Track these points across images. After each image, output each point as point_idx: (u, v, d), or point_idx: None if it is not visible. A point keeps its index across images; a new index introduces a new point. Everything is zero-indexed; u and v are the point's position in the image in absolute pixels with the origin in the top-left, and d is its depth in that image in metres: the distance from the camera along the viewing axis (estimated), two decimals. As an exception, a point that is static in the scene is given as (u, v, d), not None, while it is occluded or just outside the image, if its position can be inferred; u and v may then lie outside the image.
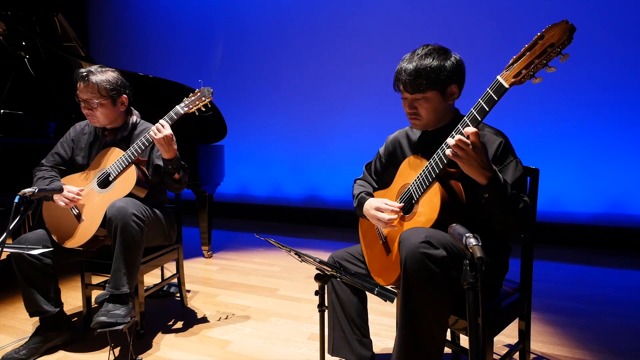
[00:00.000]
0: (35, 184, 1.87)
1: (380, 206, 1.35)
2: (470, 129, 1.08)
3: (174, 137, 1.76)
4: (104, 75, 1.84)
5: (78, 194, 1.78)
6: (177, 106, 1.80)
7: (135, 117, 1.99)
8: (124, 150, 1.85)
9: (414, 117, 1.35)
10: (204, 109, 1.81)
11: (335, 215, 4.67)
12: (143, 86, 2.79)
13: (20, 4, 3.09)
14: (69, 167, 1.99)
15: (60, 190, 1.70)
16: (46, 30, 3.13)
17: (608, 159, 3.60)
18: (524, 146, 3.37)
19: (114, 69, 1.92)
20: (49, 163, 1.96)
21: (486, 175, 1.11)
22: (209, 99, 1.79)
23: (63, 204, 1.76)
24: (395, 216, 1.33)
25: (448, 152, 1.12)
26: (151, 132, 1.74)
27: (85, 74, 1.82)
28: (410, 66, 1.27)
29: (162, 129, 1.72)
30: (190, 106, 1.79)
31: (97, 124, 1.89)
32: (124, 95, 1.90)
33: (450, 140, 1.11)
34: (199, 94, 1.80)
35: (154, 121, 2.01)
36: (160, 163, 1.89)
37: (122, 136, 1.95)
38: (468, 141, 1.07)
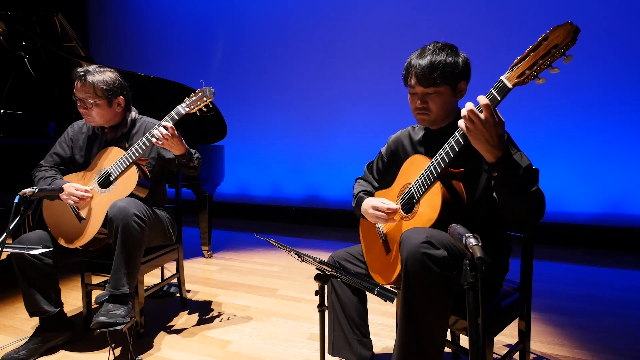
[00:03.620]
0: (37, 184, 1.87)
1: (377, 205, 1.36)
2: (484, 100, 1.04)
3: (180, 135, 1.76)
4: (101, 76, 1.83)
5: (86, 192, 1.78)
6: (178, 106, 1.79)
7: (133, 113, 1.99)
8: (125, 147, 1.85)
9: (423, 112, 1.33)
10: (205, 110, 1.80)
11: (335, 215, 4.67)
12: (142, 86, 2.79)
13: (20, 4, 3.09)
14: (68, 166, 1.99)
15: (60, 190, 1.70)
16: (46, 30, 3.13)
17: (608, 159, 3.60)
18: (524, 146, 3.37)
19: (112, 69, 1.90)
20: (48, 163, 1.95)
21: (495, 155, 1.08)
22: (211, 99, 1.78)
23: (72, 202, 1.77)
24: (392, 213, 1.33)
25: (462, 124, 1.08)
26: (154, 139, 1.73)
27: (82, 73, 1.81)
28: (424, 60, 1.27)
29: (168, 134, 1.70)
30: (192, 106, 1.78)
31: (93, 123, 1.89)
32: (121, 97, 1.89)
33: (462, 111, 1.07)
34: (200, 94, 1.79)
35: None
36: (172, 156, 1.90)
37: (122, 133, 1.94)
38: (481, 115, 1.03)
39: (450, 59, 1.27)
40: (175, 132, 1.73)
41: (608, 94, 3.57)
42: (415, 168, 1.36)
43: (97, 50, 5.86)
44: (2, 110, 2.88)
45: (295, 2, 4.69)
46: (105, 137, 1.94)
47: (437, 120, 1.35)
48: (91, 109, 1.83)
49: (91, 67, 1.85)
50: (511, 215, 1.16)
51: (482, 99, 1.04)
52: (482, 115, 1.04)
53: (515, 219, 1.17)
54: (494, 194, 1.18)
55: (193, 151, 1.89)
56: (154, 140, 1.72)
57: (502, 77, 1.07)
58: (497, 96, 1.08)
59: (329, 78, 4.61)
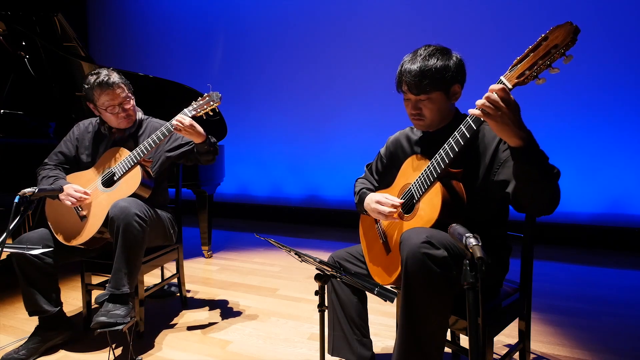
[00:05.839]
0: (40, 183, 1.87)
1: (381, 200, 1.36)
2: (497, 86, 1.02)
3: (195, 123, 1.77)
4: (117, 75, 1.87)
5: (85, 194, 1.79)
6: (185, 109, 1.81)
7: (139, 114, 2.01)
8: (131, 147, 1.86)
9: (418, 118, 1.34)
10: (211, 114, 1.81)
11: (335, 215, 4.67)
12: (142, 86, 2.79)
13: (20, 4, 3.09)
14: (73, 165, 1.99)
15: (60, 190, 1.70)
16: (46, 30, 3.13)
17: (608, 159, 3.60)
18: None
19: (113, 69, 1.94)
20: (53, 162, 1.96)
21: (521, 136, 1.04)
22: (217, 104, 1.79)
23: (70, 203, 1.77)
24: (395, 209, 1.32)
25: (477, 112, 1.05)
26: (174, 127, 1.76)
27: (104, 79, 1.79)
28: (414, 67, 1.26)
29: (184, 122, 1.74)
30: (198, 110, 1.79)
31: (131, 123, 1.93)
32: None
33: (479, 101, 1.04)
34: (207, 98, 1.79)
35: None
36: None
37: (130, 133, 1.96)
38: (497, 97, 1.01)
39: (441, 63, 1.25)
40: (188, 119, 1.75)
41: (608, 93, 3.57)
42: (415, 168, 1.36)
43: (97, 50, 5.86)
44: (2, 110, 2.88)
45: (295, 2, 4.69)
46: (113, 136, 1.95)
47: (432, 124, 1.35)
48: (129, 108, 1.88)
49: (102, 73, 1.82)
50: (535, 202, 1.14)
51: (496, 86, 1.02)
52: (500, 97, 1.01)
53: (538, 207, 1.16)
54: (510, 188, 1.17)
55: (209, 136, 1.90)
56: (172, 129, 1.76)
57: (502, 77, 1.07)
58: None
59: (329, 78, 4.61)
